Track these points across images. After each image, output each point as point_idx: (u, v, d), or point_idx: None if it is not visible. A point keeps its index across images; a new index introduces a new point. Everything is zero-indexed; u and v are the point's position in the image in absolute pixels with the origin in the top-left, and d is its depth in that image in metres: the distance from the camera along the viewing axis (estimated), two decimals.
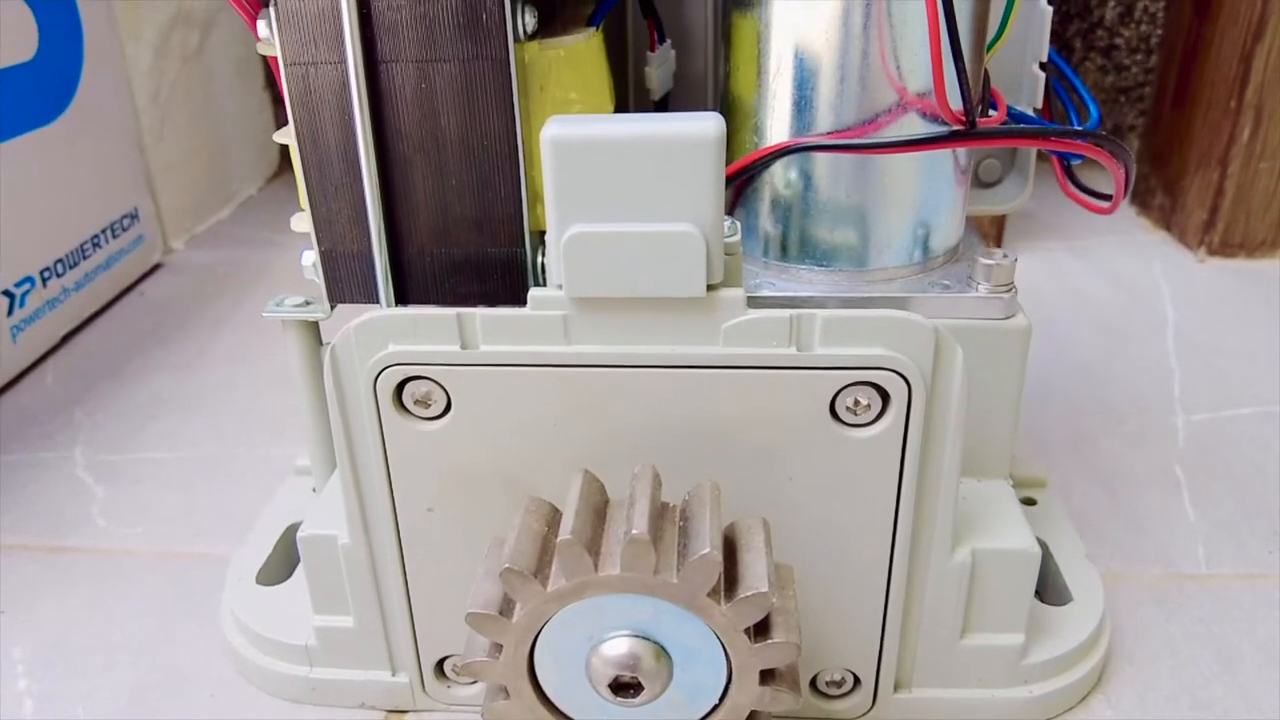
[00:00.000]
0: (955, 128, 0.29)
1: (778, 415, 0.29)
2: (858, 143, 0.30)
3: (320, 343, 0.36)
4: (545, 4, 0.31)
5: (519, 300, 0.33)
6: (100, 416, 0.54)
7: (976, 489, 0.34)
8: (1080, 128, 0.36)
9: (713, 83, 0.42)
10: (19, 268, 0.58)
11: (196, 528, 0.45)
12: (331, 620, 0.34)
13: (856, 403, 0.29)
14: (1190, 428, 0.51)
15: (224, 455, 0.51)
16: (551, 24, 0.33)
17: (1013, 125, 0.30)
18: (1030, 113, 0.40)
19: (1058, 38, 0.37)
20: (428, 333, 0.29)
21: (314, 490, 0.40)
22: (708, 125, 0.26)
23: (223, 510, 0.46)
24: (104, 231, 0.65)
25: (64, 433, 0.53)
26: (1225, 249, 0.70)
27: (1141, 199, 0.78)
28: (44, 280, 0.60)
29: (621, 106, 0.40)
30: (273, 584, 0.38)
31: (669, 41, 0.39)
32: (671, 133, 0.26)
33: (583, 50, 0.32)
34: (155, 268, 0.72)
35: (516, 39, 0.30)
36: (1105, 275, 0.68)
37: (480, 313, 0.28)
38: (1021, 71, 0.40)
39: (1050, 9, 0.38)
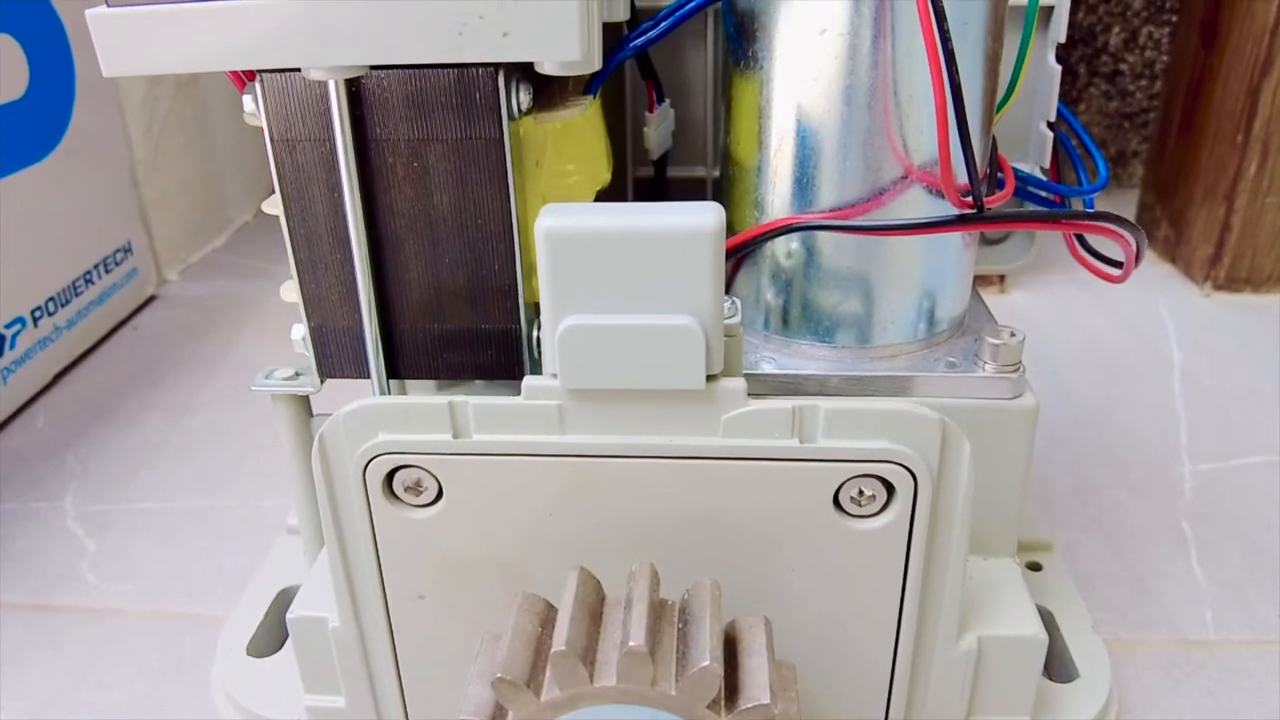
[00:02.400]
0: (963, 212, 0.28)
1: (779, 506, 0.28)
2: (862, 225, 0.29)
3: (310, 414, 0.35)
4: (540, 76, 0.30)
5: (514, 373, 0.33)
6: (92, 463, 0.54)
7: (982, 567, 0.33)
8: (1091, 209, 0.35)
9: (712, 140, 0.41)
10: (10, 308, 0.57)
11: (187, 586, 0.45)
12: (322, 700, 0.33)
13: (861, 493, 0.28)
14: (1197, 478, 0.50)
15: (215, 507, 0.50)
16: (548, 89, 0.32)
17: (1023, 209, 0.29)
18: (1038, 172, 0.40)
19: (1060, 62, 0.36)
20: (419, 422, 0.28)
21: (304, 554, 0.39)
22: (707, 218, 0.25)
23: (214, 567, 0.46)
24: (97, 267, 0.65)
25: (55, 480, 0.52)
26: (1231, 284, 0.69)
27: (1146, 229, 0.77)
28: (35, 320, 0.59)
29: (619, 168, 0.40)
30: (264, 655, 0.38)
31: (668, 101, 0.39)
32: (670, 226, 0.25)
33: (579, 122, 0.31)
34: (149, 300, 0.71)
35: (511, 116, 0.29)
36: (1109, 310, 0.68)
37: (473, 402, 0.28)
38: (1029, 129, 0.39)
39: (1059, 68, 0.37)
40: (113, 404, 0.59)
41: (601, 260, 0.26)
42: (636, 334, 0.26)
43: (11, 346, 0.57)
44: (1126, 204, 0.81)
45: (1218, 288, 0.69)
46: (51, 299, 0.60)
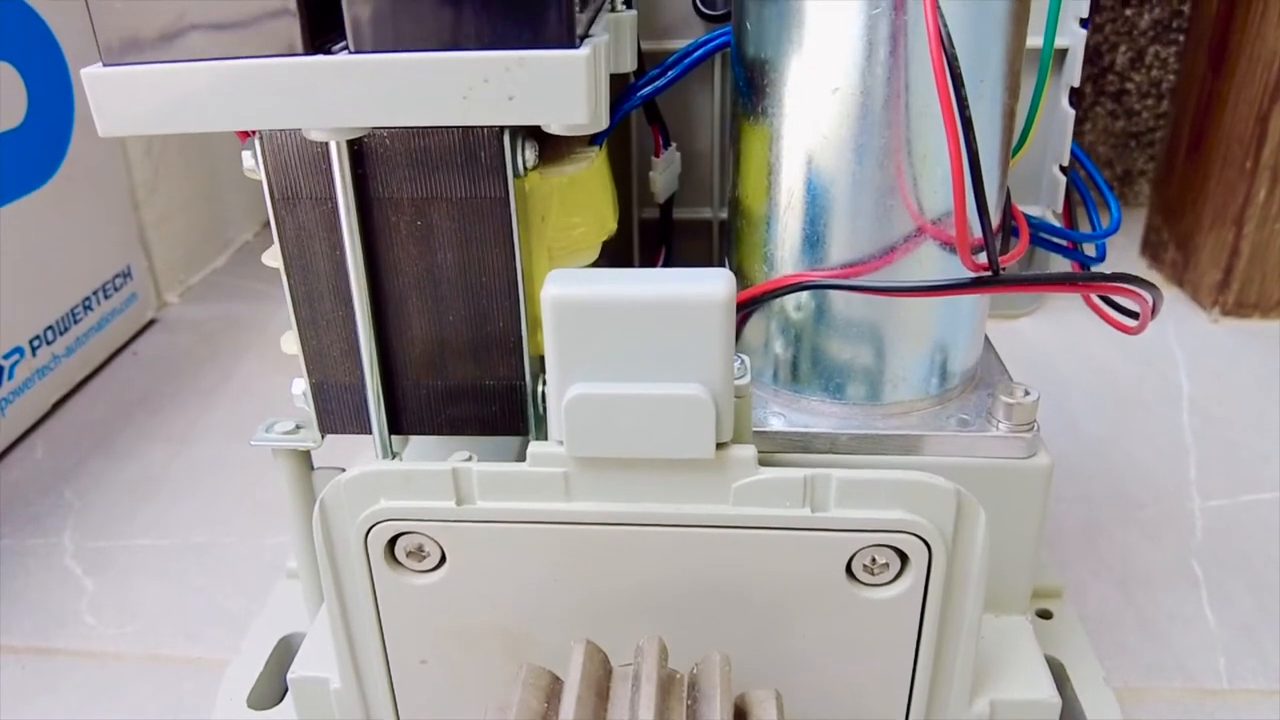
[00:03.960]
0: (978, 275, 0.27)
1: (790, 574, 0.27)
2: (875, 286, 0.29)
3: (312, 467, 0.34)
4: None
5: (518, 429, 0.32)
6: (91, 497, 0.53)
7: (994, 626, 0.33)
8: (1103, 254, 0.35)
9: (718, 182, 0.40)
10: (8, 339, 0.56)
11: (187, 628, 0.44)
12: None
13: (874, 560, 0.27)
14: (1207, 515, 0.50)
15: (215, 544, 0.49)
16: (553, 140, 0.32)
17: (1039, 273, 0.29)
18: (1050, 216, 0.39)
19: (1073, 105, 0.36)
20: (421, 488, 0.27)
21: (304, 601, 0.39)
22: (717, 287, 0.25)
23: (214, 608, 0.45)
24: (96, 293, 0.64)
25: (53, 515, 0.52)
26: (1239, 309, 0.68)
27: (1153, 252, 0.76)
28: (34, 349, 0.58)
29: (625, 210, 0.39)
30: (265, 708, 0.37)
31: (674, 145, 0.38)
32: (679, 295, 0.25)
33: (586, 176, 0.31)
34: (149, 324, 0.71)
35: (516, 174, 0.28)
36: (1117, 337, 0.66)
37: (476, 469, 0.27)
38: (1041, 172, 0.39)
39: (1073, 112, 0.36)
40: (111, 434, 0.58)
41: (609, 328, 0.25)
42: (645, 403, 0.25)
43: (10, 377, 0.56)
44: (1133, 224, 0.81)
45: (1226, 313, 0.68)
46: (50, 327, 0.60)
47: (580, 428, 0.26)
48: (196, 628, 0.44)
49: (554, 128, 0.27)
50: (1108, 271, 0.28)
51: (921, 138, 0.28)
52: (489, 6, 0.24)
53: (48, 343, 0.59)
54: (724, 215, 0.41)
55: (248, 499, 0.52)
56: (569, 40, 0.25)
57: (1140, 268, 0.77)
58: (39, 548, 0.49)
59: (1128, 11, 0.80)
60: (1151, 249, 0.77)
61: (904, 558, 0.27)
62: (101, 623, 0.45)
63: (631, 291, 0.25)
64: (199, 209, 0.78)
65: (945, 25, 0.24)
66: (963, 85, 0.24)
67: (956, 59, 0.24)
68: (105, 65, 0.26)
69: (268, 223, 0.29)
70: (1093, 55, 0.82)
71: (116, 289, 0.66)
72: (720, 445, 0.26)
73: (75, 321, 0.62)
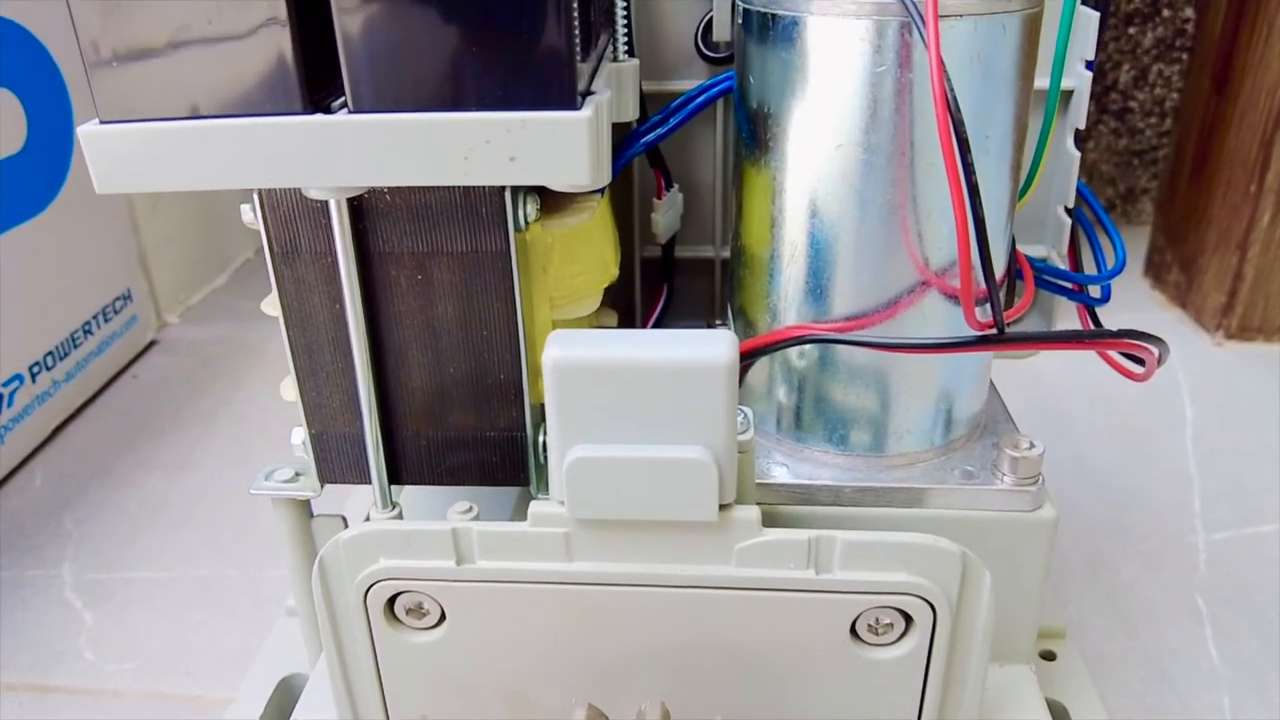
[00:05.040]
0: (984, 333, 0.27)
1: (794, 635, 0.27)
2: (880, 342, 0.28)
3: (311, 514, 0.34)
4: None
5: (518, 479, 0.32)
6: (90, 526, 0.53)
7: (997, 676, 0.33)
8: (1108, 295, 0.34)
9: (720, 221, 0.40)
10: (8, 366, 0.56)
11: (187, 665, 0.44)
12: None
13: (878, 621, 0.27)
14: (1211, 549, 0.50)
15: (215, 577, 0.49)
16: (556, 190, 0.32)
17: (1045, 331, 0.29)
18: (1054, 257, 0.39)
19: (1078, 147, 0.35)
20: (421, 548, 0.27)
21: (304, 642, 0.39)
22: (720, 350, 0.24)
23: (214, 645, 0.45)
24: (96, 317, 0.64)
25: (52, 545, 0.51)
26: (1243, 332, 0.68)
27: (1156, 272, 0.76)
28: (33, 376, 0.58)
29: (627, 250, 0.39)
30: None
31: (676, 186, 0.38)
32: (682, 358, 0.24)
33: (587, 225, 0.31)
34: (149, 346, 0.71)
35: (517, 228, 0.28)
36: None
37: (477, 528, 0.27)
38: (1045, 213, 0.38)
39: (1078, 154, 0.36)
40: (111, 461, 0.58)
41: (611, 391, 0.25)
42: (647, 466, 0.25)
43: (9, 404, 0.56)
44: (1136, 241, 0.80)
45: (1229, 336, 0.68)
46: (50, 353, 0.59)
47: (582, 490, 0.26)
48: (197, 664, 0.44)
49: (556, 185, 0.27)
50: (1113, 328, 0.28)
51: (926, 194, 0.27)
52: (490, 68, 0.24)
53: (47, 368, 0.59)
54: (726, 254, 0.40)
55: (247, 529, 0.52)
56: (571, 102, 0.24)
57: (1143, 288, 0.77)
58: (38, 579, 0.49)
59: (1131, 30, 0.80)
60: (1155, 270, 0.77)
61: (908, 619, 0.27)
62: (101, 658, 0.44)
63: (634, 355, 0.25)
64: (199, 229, 0.77)
65: (951, 88, 0.24)
66: (969, 150, 0.24)
67: (963, 123, 0.24)
68: (102, 123, 0.26)
69: None
70: (1096, 73, 0.81)
71: (116, 312, 0.66)
72: (723, 506, 0.26)
73: (75, 346, 0.62)
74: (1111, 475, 0.55)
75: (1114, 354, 0.34)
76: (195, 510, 0.54)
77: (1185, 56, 0.80)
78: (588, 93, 0.26)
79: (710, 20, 0.36)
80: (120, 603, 0.48)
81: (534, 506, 0.27)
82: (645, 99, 0.35)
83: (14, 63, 0.56)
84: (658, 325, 0.41)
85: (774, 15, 0.27)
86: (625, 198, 0.39)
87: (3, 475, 0.56)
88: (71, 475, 0.57)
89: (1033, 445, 0.30)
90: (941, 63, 0.23)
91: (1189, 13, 0.79)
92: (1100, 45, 0.38)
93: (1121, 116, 0.83)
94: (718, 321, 0.39)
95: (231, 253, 0.82)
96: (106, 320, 0.65)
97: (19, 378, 0.57)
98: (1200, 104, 0.70)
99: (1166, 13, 0.79)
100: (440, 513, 0.30)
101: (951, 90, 0.23)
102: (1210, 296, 0.69)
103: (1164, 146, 0.84)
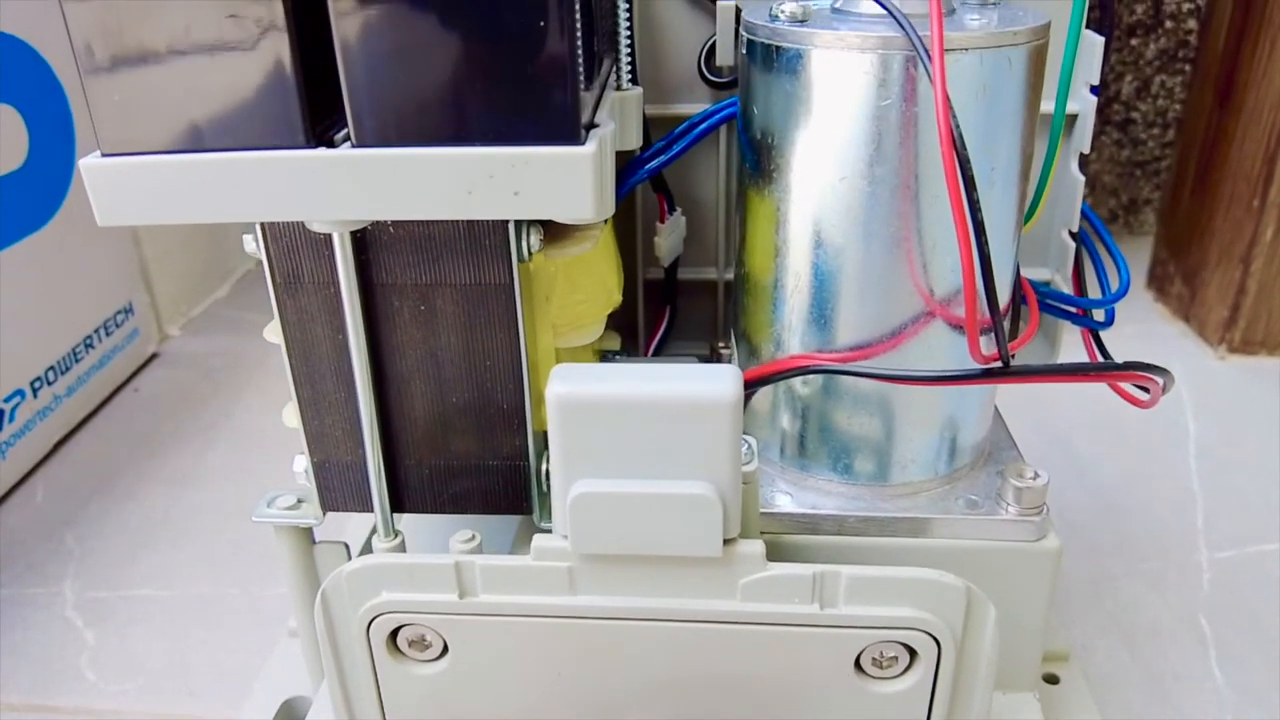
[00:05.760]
0: (989, 366, 0.27)
1: (798, 669, 0.27)
2: (885, 374, 0.28)
3: (313, 541, 0.34)
4: None
5: (521, 507, 0.32)
6: (91, 543, 0.53)
7: (1001, 704, 0.33)
8: (1112, 319, 0.34)
9: (723, 243, 0.40)
10: (9, 381, 0.56)
11: (189, 685, 0.44)
12: None
13: (882, 654, 0.27)
14: (1214, 567, 0.49)
15: (217, 595, 0.49)
16: None
17: (1051, 364, 0.29)
18: (1058, 279, 0.39)
19: (1082, 170, 0.35)
20: (424, 581, 0.27)
21: (306, 665, 0.39)
22: (725, 387, 0.24)
23: (216, 665, 0.45)
24: (97, 330, 0.64)
25: (53, 562, 0.51)
26: (1246, 346, 0.68)
27: (1159, 284, 0.76)
28: (35, 391, 0.58)
29: (630, 274, 0.39)
30: None
31: (679, 210, 0.38)
32: (686, 395, 0.24)
33: (590, 254, 0.30)
34: (150, 358, 0.70)
35: (520, 259, 0.28)
36: None
37: (480, 562, 0.27)
38: (1050, 237, 0.38)
39: (1082, 178, 0.36)
40: (112, 476, 0.58)
41: (615, 426, 0.25)
42: (651, 502, 0.25)
43: (10, 420, 0.56)
44: (1138, 253, 0.80)
45: (1232, 350, 0.68)
46: (51, 368, 0.59)
47: (585, 525, 0.26)
48: (199, 685, 0.44)
49: (560, 218, 0.27)
50: (1119, 360, 0.27)
51: (931, 226, 0.27)
52: (494, 102, 0.24)
53: (49, 383, 0.59)
54: (729, 276, 0.40)
55: (248, 546, 0.52)
56: (575, 137, 0.24)
57: (1146, 300, 0.77)
58: (39, 597, 0.49)
59: (1134, 41, 0.80)
60: (1157, 281, 0.76)
61: (913, 652, 0.27)
62: (103, 679, 0.44)
63: (638, 390, 0.25)
64: (201, 240, 0.77)
65: (958, 125, 0.24)
66: (974, 188, 0.24)
67: (969, 161, 0.23)
68: (104, 155, 0.26)
69: None
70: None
71: (118, 325, 0.66)
72: (728, 540, 0.26)
73: (77, 360, 0.62)
74: (1114, 492, 0.55)
75: (1122, 384, 0.34)
76: (196, 526, 0.54)
77: (1188, 68, 0.80)
78: (591, 125, 0.26)
79: (713, 44, 0.36)
80: (121, 621, 0.47)
81: (537, 540, 0.27)
82: (648, 122, 0.35)
83: (16, 78, 0.55)
84: (660, 346, 0.41)
85: (778, 47, 0.27)
86: (628, 221, 0.39)
87: (4, 490, 0.56)
88: (73, 490, 0.57)
89: (1037, 475, 0.30)
90: (948, 100, 0.23)
91: (1192, 24, 0.79)
92: (1104, 67, 0.38)
93: (1124, 127, 0.83)
94: (721, 344, 0.39)
95: (233, 264, 0.82)
96: (108, 333, 0.65)
97: (20, 393, 0.57)
98: (1203, 117, 0.70)
99: (1169, 24, 0.79)
100: (442, 538, 0.30)
101: (958, 128, 0.23)
102: (1213, 310, 0.69)
103: (1166, 157, 0.84)
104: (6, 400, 0.56)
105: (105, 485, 0.57)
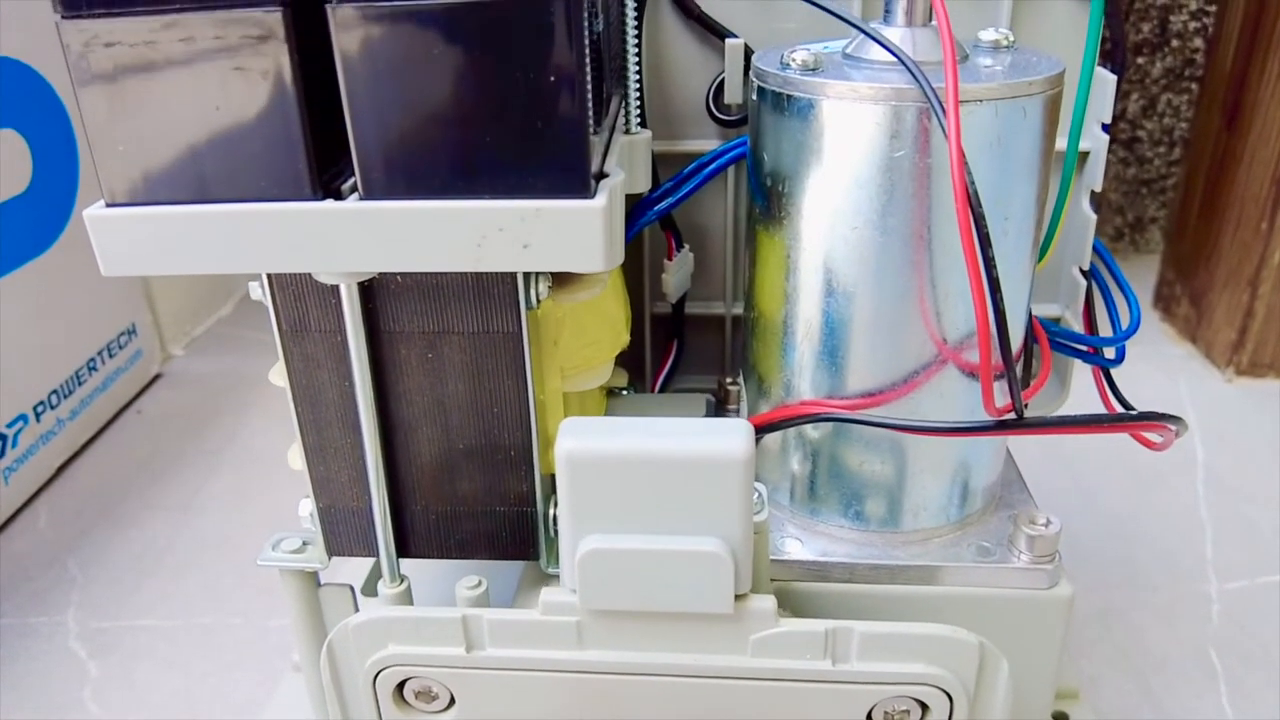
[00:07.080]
0: (1003, 419, 0.27)
1: None
2: (897, 424, 0.28)
3: (319, 584, 0.34)
4: None
5: (528, 554, 0.32)
6: (94, 570, 0.52)
7: None
8: (1122, 357, 0.34)
9: (730, 279, 0.40)
10: (12, 406, 0.56)
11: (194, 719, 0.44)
12: None
13: (894, 709, 0.27)
14: (1224, 599, 0.49)
15: (220, 625, 0.49)
16: None
17: (1066, 416, 0.28)
18: (1069, 316, 0.38)
19: (1094, 209, 0.35)
20: (431, 635, 0.27)
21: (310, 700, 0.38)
22: (736, 443, 0.24)
23: (220, 697, 0.45)
24: (100, 353, 0.64)
25: (56, 590, 0.51)
26: (1254, 369, 0.67)
27: (1165, 305, 0.76)
28: (38, 415, 0.58)
29: (637, 311, 0.39)
30: None
31: (687, 247, 0.37)
32: (697, 450, 0.24)
33: (598, 299, 0.30)
34: (154, 379, 0.70)
35: (529, 307, 0.28)
36: (1130, 398, 0.66)
37: (487, 616, 0.27)
38: (1061, 274, 0.38)
39: (1094, 215, 0.36)
40: (115, 501, 0.58)
41: (625, 482, 0.25)
42: (661, 558, 0.25)
43: (14, 445, 0.56)
44: (1145, 271, 0.80)
45: (1240, 373, 0.68)
46: (55, 391, 0.59)
47: (594, 581, 0.25)
48: (203, 719, 0.44)
49: (570, 269, 0.27)
50: (1134, 411, 0.27)
51: (944, 275, 0.27)
52: (503, 156, 0.24)
53: (52, 407, 0.59)
54: (737, 310, 0.40)
55: (252, 576, 0.52)
56: (585, 190, 0.24)
57: (1153, 320, 0.76)
58: (42, 627, 0.49)
59: (1140, 60, 0.80)
60: (1164, 302, 0.76)
61: (925, 707, 0.27)
62: (105, 711, 0.44)
63: (648, 446, 0.24)
64: None
65: (973, 180, 0.23)
66: (989, 245, 0.23)
67: (984, 217, 0.23)
68: (109, 205, 0.26)
69: None
70: None
71: (121, 347, 0.66)
72: (739, 596, 0.26)
73: (80, 383, 0.61)
74: (1122, 520, 0.55)
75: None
76: (199, 556, 0.54)
77: (1194, 86, 0.80)
78: (601, 174, 0.26)
79: (722, 82, 0.36)
80: (125, 653, 0.47)
81: (545, 594, 0.26)
82: (656, 159, 0.35)
83: (19, 102, 0.55)
84: (668, 381, 0.41)
85: (789, 95, 0.27)
86: (635, 258, 0.39)
87: (7, 516, 0.56)
88: (76, 516, 0.57)
89: (1049, 522, 0.30)
90: (963, 155, 0.23)
91: (1198, 43, 0.79)
92: (1117, 106, 0.37)
93: (1130, 146, 0.83)
94: (729, 380, 0.39)
95: (236, 282, 0.82)
96: (111, 355, 0.65)
97: (23, 418, 0.57)
98: (1210, 138, 0.70)
99: (1175, 43, 0.79)
100: (447, 582, 0.30)
101: (973, 183, 0.23)
102: (1221, 332, 0.69)
103: (1172, 175, 0.83)
104: (9, 426, 0.56)
105: (109, 511, 0.57)
